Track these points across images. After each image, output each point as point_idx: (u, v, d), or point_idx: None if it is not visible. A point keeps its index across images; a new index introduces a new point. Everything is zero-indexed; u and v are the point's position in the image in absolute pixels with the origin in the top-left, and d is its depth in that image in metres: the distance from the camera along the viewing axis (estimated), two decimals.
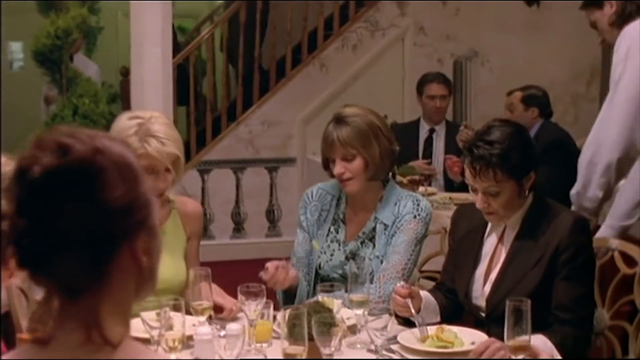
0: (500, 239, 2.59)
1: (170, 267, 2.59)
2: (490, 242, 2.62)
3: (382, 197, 2.82)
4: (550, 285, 2.46)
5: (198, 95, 6.74)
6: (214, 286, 2.55)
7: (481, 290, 2.57)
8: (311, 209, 2.91)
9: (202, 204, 6.63)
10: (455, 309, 2.67)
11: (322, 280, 2.79)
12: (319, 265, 2.86)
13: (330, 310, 2.23)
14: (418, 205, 2.80)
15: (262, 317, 2.29)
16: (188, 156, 6.67)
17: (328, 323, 2.08)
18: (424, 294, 2.58)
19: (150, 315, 2.11)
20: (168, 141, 2.55)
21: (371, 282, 2.67)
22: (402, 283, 2.52)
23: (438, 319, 2.59)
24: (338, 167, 2.74)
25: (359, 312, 2.39)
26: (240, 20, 6.61)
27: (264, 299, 2.31)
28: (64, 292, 1.16)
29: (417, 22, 6.89)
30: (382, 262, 2.76)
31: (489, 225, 2.62)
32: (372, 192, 2.82)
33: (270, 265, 2.61)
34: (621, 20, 3.14)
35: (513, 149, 2.46)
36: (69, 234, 1.12)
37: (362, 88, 6.74)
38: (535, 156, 2.55)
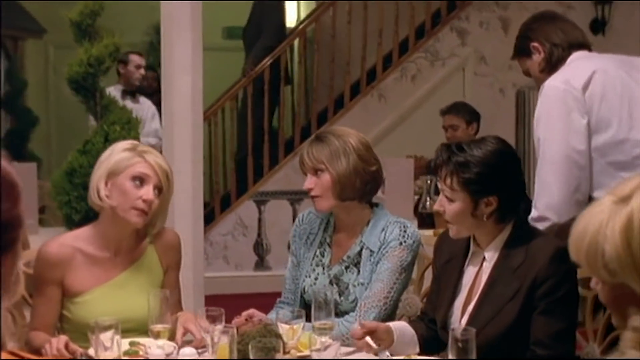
0: (480, 269, 2.47)
1: (143, 306, 2.46)
2: (470, 271, 2.49)
3: (370, 222, 2.74)
4: (529, 318, 2.32)
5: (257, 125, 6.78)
6: (189, 314, 2.51)
7: (458, 322, 2.44)
8: (299, 233, 2.87)
9: (259, 234, 6.65)
10: (437, 339, 2.56)
11: (306, 305, 2.73)
12: (304, 289, 2.81)
13: (278, 336, 2.17)
14: (405, 231, 2.70)
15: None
16: (245, 187, 6.73)
17: (267, 348, 2.02)
18: (399, 324, 2.48)
19: (107, 336, 2.12)
20: (163, 158, 2.59)
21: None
22: (359, 322, 2.43)
23: (416, 350, 2.48)
24: (307, 182, 2.70)
25: (323, 339, 2.32)
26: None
27: (223, 323, 2.27)
28: None
29: (477, 52, 6.78)
30: (367, 289, 2.68)
31: (470, 253, 2.50)
32: (358, 215, 2.74)
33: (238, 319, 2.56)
34: (550, 66, 3.13)
35: (477, 164, 2.33)
36: None
37: (421, 118, 6.66)
38: (502, 184, 2.36)
